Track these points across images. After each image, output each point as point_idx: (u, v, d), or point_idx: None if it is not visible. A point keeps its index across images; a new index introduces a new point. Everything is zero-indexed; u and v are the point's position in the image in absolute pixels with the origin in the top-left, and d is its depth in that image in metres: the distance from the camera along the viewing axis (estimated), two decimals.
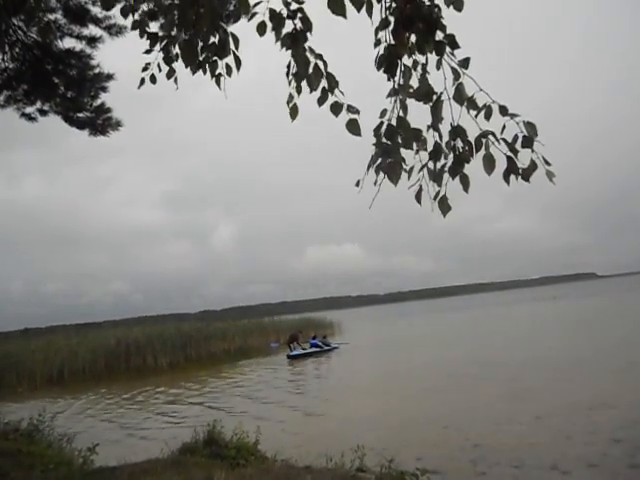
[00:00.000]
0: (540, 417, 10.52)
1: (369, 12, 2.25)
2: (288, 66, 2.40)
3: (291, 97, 2.45)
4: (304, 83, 2.38)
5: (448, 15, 2.26)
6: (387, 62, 2.21)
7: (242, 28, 2.63)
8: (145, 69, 2.82)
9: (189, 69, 2.60)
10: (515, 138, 2.07)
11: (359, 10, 2.22)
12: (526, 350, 21.34)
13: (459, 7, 2.24)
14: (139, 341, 29.84)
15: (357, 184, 2.20)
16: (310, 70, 2.35)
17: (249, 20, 2.42)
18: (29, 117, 8.45)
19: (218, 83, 2.64)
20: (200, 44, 2.56)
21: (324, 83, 2.37)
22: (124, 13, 2.74)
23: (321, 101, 2.37)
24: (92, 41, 7.93)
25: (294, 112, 2.49)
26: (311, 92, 2.37)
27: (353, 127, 2.30)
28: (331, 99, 2.36)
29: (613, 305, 46.28)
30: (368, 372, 20.53)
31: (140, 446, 10.94)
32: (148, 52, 2.76)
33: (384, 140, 2.20)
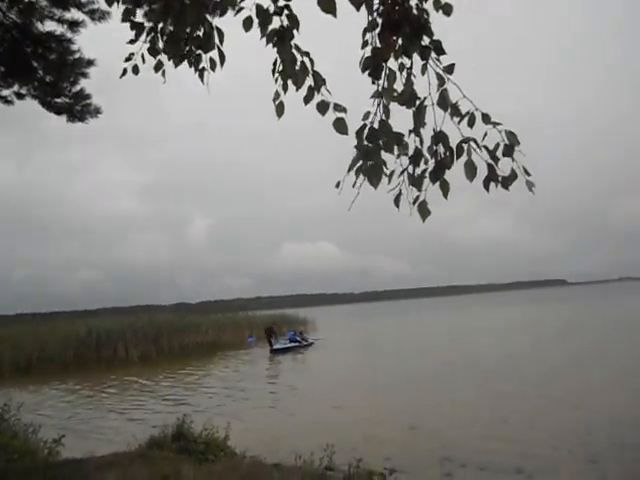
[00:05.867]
0: (506, 420, 10.70)
1: (369, 10, 2.24)
2: (274, 63, 2.39)
3: (277, 94, 2.43)
4: (290, 81, 2.37)
5: (442, 23, 2.27)
6: (372, 65, 2.21)
7: (227, 22, 2.60)
8: (128, 59, 2.77)
9: (172, 61, 2.57)
10: (496, 146, 2.09)
11: (358, 9, 2.20)
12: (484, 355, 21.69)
13: (448, 12, 2.26)
14: (110, 332, 29.42)
15: (337, 185, 2.20)
16: (297, 68, 2.34)
17: (235, 15, 2.40)
18: (5, 100, 8.24)
19: (202, 77, 2.61)
20: (185, 36, 2.53)
21: (310, 81, 2.36)
22: (109, 1, 2.69)
23: (307, 99, 2.36)
24: (73, 25, 7.76)
25: (280, 110, 2.46)
26: (297, 90, 2.36)
27: (340, 126, 2.29)
28: (317, 97, 2.35)
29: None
30: (340, 370, 20.62)
31: (107, 439, 10.82)
32: (132, 42, 2.71)
33: (365, 143, 2.21)
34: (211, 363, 25.87)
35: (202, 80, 2.62)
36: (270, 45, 2.35)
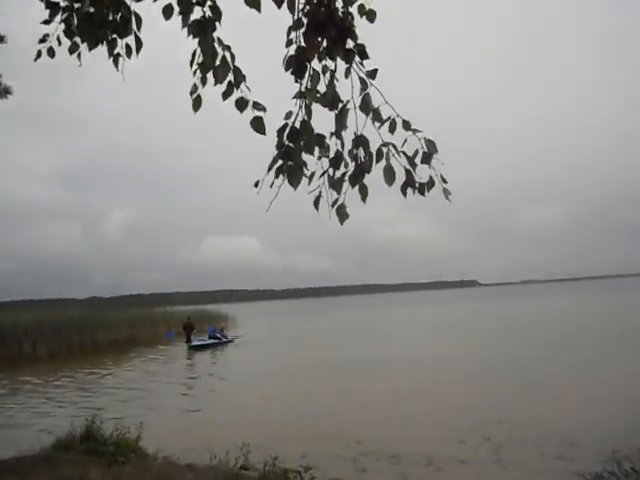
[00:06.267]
0: (419, 416, 11.09)
1: (291, 9, 2.21)
2: (193, 55, 2.30)
3: (195, 88, 2.34)
4: (210, 74, 2.29)
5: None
6: (296, 64, 2.18)
7: (147, 9, 2.48)
8: (43, 41, 2.57)
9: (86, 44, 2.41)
10: (415, 153, 2.13)
11: (279, 6, 2.17)
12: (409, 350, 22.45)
13: (371, 18, 2.28)
14: (15, 327, 27.60)
15: (256, 185, 2.15)
16: (217, 62, 2.26)
17: (155, 0, 2.30)
18: None
19: (116, 63, 2.47)
20: (101, 19, 2.39)
21: (230, 77, 2.29)
22: None
23: (226, 95, 2.28)
24: None
25: (197, 104, 2.37)
26: (215, 84, 2.28)
27: (258, 125, 2.24)
28: (237, 94, 2.29)
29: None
30: (259, 368, 20.53)
31: (7, 442, 10.12)
32: (47, 22, 2.53)
33: (286, 142, 2.17)
34: (124, 360, 24.89)
35: (116, 66, 2.48)
36: (191, 36, 2.27)
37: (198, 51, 2.28)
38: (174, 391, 16.11)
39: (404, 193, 2.17)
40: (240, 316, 50.09)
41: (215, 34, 2.27)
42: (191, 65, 2.30)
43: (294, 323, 52.51)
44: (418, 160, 2.12)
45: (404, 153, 2.12)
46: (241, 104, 2.26)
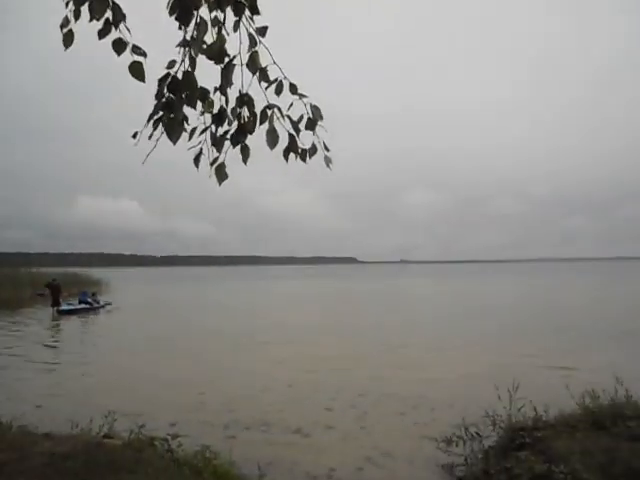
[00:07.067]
0: (291, 385, 11.37)
1: None
2: None
3: (67, 21, 2.10)
4: (85, 8, 2.07)
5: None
6: (180, 9, 2.04)
7: None
8: None
9: None
10: (300, 118, 2.11)
11: None
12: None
13: None
14: None
15: (134, 136, 2.02)
16: None
17: None
18: None
19: None
20: None
21: (108, 13, 2.09)
22: None
23: (102, 34, 2.08)
24: None
25: (68, 39, 2.13)
26: (91, 20, 2.07)
27: (137, 71, 2.07)
28: (115, 34, 2.10)
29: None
30: (130, 334, 19.91)
31: None
32: None
33: (167, 93, 2.05)
34: None
35: None
36: None
37: None
38: (33, 357, 15.00)
39: (286, 158, 2.15)
40: (115, 282, 47.98)
41: None
42: None
43: (171, 291, 51.33)
44: (302, 126, 2.10)
45: (289, 117, 2.09)
46: (119, 46, 2.08)
